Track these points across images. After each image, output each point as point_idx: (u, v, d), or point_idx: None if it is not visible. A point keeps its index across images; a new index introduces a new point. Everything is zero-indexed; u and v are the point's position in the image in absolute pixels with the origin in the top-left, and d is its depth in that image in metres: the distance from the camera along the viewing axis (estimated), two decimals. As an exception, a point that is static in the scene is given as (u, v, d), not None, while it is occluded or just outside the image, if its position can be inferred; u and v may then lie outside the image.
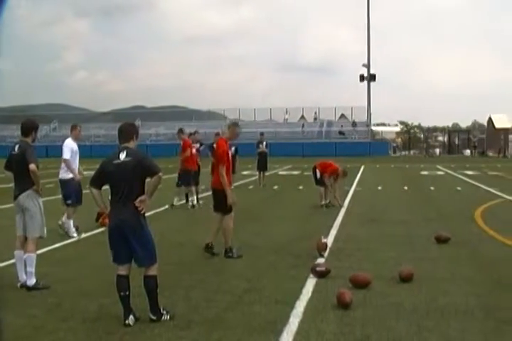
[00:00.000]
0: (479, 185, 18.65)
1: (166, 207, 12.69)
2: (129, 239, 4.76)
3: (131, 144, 4.98)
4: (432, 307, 5.16)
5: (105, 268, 6.02)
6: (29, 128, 6.26)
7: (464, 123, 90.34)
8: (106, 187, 4.95)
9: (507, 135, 56.39)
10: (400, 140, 71.48)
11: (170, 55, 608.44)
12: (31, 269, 5.94)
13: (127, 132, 5.04)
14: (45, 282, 6.03)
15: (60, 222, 9.15)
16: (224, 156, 7.42)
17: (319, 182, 12.84)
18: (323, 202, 12.75)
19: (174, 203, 12.92)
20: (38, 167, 6.07)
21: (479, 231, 9.40)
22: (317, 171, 12.86)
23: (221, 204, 7.48)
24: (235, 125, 7.95)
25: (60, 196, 9.44)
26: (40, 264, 6.24)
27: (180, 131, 13.56)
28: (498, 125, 57.88)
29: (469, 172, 25.47)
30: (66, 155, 8.97)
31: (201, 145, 14.50)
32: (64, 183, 9.14)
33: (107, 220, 5.15)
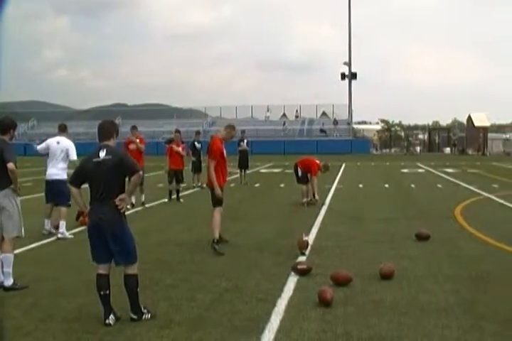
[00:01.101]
0: (459, 182, 18.83)
1: (146, 206, 12.59)
2: (108, 238, 4.71)
3: (111, 142, 4.94)
4: (412, 305, 5.20)
5: (85, 267, 5.96)
6: (7, 126, 6.16)
7: (444, 122, 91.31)
8: (85, 185, 4.89)
9: (486, 133, 56.97)
10: (376, 138, 71.44)
11: (152, 53, 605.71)
12: (9, 269, 5.85)
13: (107, 130, 4.99)
14: (23, 282, 5.95)
15: (53, 230, 8.99)
16: (218, 153, 7.61)
17: (301, 180, 12.85)
18: (304, 200, 12.76)
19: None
20: (16, 165, 5.98)
21: (459, 229, 9.49)
22: (298, 169, 12.87)
23: (215, 200, 7.79)
24: (231, 127, 8.00)
25: (43, 194, 9.23)
26: (18, 264, 6.15)
27: (134, 127, 13.47)
28: (477, 123, 58.33)
29: (449, 170, 25.71)
30: (74, 156, 8.87)
31: (182, 143, 14.49)
32: (63, 184, 8.88)
33: (87, 219, 5.09)
